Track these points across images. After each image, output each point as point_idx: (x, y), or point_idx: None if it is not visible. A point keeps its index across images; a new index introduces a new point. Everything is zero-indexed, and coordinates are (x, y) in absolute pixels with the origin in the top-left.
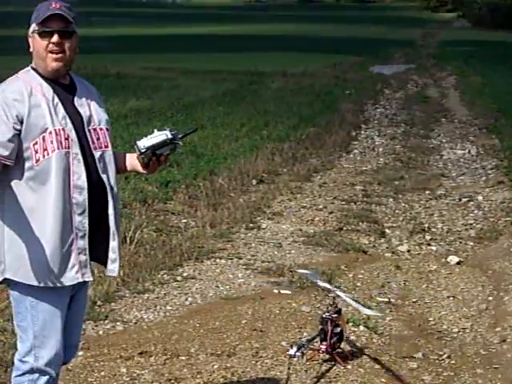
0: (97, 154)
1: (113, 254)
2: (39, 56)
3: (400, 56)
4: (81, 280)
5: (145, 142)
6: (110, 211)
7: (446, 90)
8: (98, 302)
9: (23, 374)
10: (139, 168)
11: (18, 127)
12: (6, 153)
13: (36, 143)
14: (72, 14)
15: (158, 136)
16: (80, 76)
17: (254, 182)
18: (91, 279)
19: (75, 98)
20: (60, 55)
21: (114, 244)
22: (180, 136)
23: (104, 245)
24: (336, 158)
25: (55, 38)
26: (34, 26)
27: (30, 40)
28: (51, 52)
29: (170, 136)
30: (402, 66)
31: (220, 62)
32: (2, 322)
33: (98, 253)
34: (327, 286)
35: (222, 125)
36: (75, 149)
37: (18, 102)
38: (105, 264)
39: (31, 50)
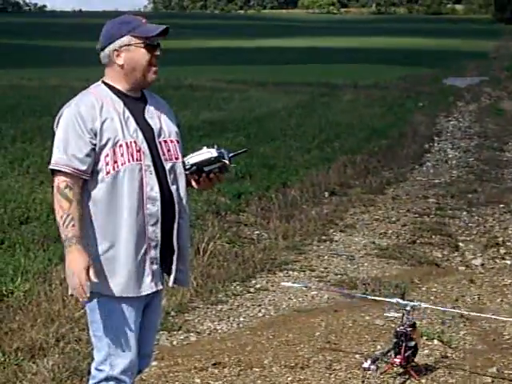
0: (167, 166)
1: (173, 266)
2: (138, 69)
3: (473, 68)
4: (154, 289)
5: (190, 159)
6: (175, 224)
7: None
8: (172, 313)
9: (99, 382)
10: (192, 183)
11: (94, 141)
12: (84, 167)
13: (107, 155)
14: None
15: (203, 153)
16: (153, 88)
17: (327, 194)
18: (161, 287)
19: (146, 111)
20: (157, 68)
21: (174, 256)
22: (230, 155)
23: (171, 256)
24: (409, 170)
25: (159, 52)
26: (130, 39)
27: (114, 53)
28: (153, 65)
29: (214, 154)
30: (475, 78)
31: (291, 74)
32: (78, 332)
33: (166, 263)
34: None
35: (293, 136)
36: (147, 161)
37: (91, 116)
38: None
39: (120, 62)
